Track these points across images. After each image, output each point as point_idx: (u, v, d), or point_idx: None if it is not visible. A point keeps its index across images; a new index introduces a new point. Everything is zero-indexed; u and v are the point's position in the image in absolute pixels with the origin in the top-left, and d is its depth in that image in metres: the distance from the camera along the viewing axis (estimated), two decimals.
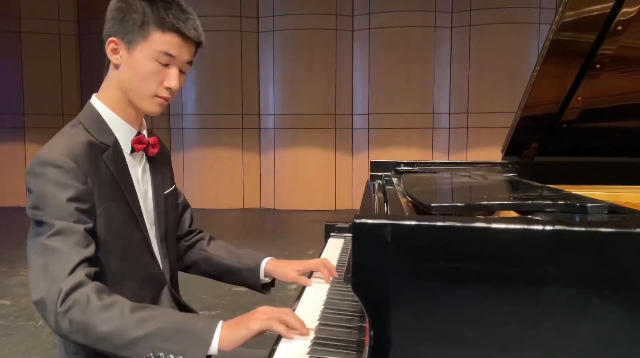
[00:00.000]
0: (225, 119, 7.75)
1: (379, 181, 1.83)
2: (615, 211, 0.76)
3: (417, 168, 1.87)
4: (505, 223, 0.54)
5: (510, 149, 1.85)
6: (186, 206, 1.45)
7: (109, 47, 1.14)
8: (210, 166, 7.67)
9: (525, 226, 0.53)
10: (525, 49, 7.23)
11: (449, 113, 7.56)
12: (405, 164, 1.86)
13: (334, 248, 1.70)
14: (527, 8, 7.14)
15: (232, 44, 7.68)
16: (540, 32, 7.20)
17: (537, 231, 0.52)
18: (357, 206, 8.04)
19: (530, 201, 0.77)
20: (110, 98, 1.17)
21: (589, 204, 0.75)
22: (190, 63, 1.18)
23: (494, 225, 0.53)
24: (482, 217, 0.58)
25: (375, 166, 1.89)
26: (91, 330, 0.95)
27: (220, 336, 0.95)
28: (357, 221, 0.58)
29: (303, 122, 7.65)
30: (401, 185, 1.53)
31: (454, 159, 7.49)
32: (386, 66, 7.45)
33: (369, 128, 7.67)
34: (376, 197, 1.30)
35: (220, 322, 0.97)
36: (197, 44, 1.17)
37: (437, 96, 7.51)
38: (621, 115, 1.57)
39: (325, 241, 1.88)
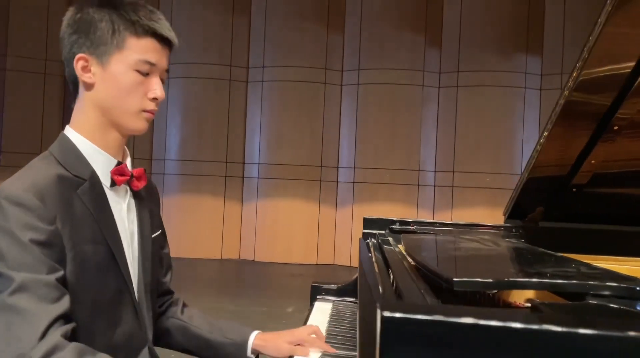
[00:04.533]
0: (209, 166, 7.62)
1: (373, 240, 1.68)
2: None
3: (413, 227, 1.73)
4: (589, 327, 0.40)
5: (513, 212, 1.74)
6: (170, 265, 1.27)
7: (77, 66, 1.00)
8: (190, 213, 7.45)
9: (611, 333, 0.39)
10: (510, 113, 7.32)
11: (435, 171, 7.53)
12: (401, 222, 1.73)
13: (322, 314, 1.53)
14: (513, 72, 7.29)
15: (220, 92, 7.65)
16: (526, 96, 7.33)
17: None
18: (339, 261, 7.85)
19: (574, 281, 0.64)
20: (86, 124, 1.03)
21: None
22: (167, 71, 1.06)
23: (579, 331, 0.40)
24: (550, 315, 0.45)
25: (368, 223, 1.75)
26: None
27: None
28: (387, 314, 0.44)
29: (288, 173, 7.55)
30: (401, 246, 1.39)
31: (438, 217, 7.40)
32: (373, 121, 7.46)
33: (354, 182, 7.59)
34: (374, 259, 1.16)
35: None
36: (171, 47, 1.05)
37: (423, 153, 7.50)
38: (637, 181, 1.47)
39: (311, 304, 1.72)
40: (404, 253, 1.33)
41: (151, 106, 1.03)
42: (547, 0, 7.30)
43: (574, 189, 1.54)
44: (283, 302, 5.02)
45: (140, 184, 1.08)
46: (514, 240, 1.44)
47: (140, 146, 7.54)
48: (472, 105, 7.31)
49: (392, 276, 1.02)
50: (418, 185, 7.50)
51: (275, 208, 7.58)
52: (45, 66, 7.98)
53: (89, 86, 1.01)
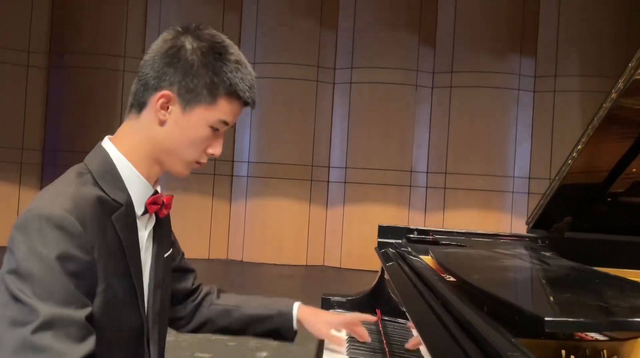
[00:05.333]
0: None
1: (390, 249, 1.57)
2: None
3: (432, 237, 1.62)
4: None
5: (538, 222, 1.63)
6: (189, 269, 1.26)
7: (158, 101, 0.93)
8: (177, 212, 7.21)
9: None
10: (503, 114, 7.27)
11: (427, 172, 7.46)
12: (419, 231, 1.62)
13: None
14: (507, 74, 7.24)
15: None
16: (519, 98, 7.28)
17: None
18: (329, 262, 7.73)
19: None
20: (133, 150, 0.96)
21: None
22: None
23: None
24: None
25: (383, 231, 1.64)
26: None
27: None
28: None
29: (278, 171, 7.41)
30: (426, 258, 1.28)
31: (430, 218, 7.33)
32: (366, 121, 7.36)
33: (345, 182, 7.48)
34: (408, 278, 1.04)
35: None
36: None
37: (416, 154, 7.42)
38: None
39: None
40: (432, 266, 1.22)
41: (205, 159, 0.99)
42: (541, 2, 7.26)
43: (609, 199, 1.44)
44: None
45: (166, 212, 1.03)
46: (547, 253, 1.33)
47: None
48: (465, 106, 7.24)
49: (436, 298, 0.91)
50: (410, 186, 7.41)
51: (265, 207, 7.44)
52: (28, 58, 7.72)
53: (159, 122, 0.95)
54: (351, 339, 1.34)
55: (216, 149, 0.98)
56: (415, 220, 7.30)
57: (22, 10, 7.62)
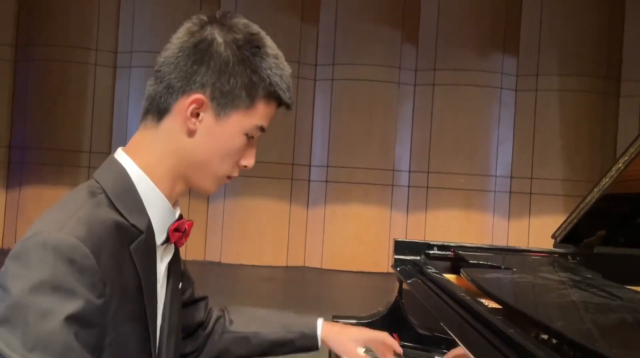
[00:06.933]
0: None
1: (408, 266, 1.41)
2: None
3: (452, 253, 1.47)
4: None
5: (567, 236, 1.50)
6: (201, 298, 1.11)
7: (189, 106, 0.80)
8: None
9: None
10: (486, 113, 7.22)
11: (409, 171, 7.35)
12: (439, 247, 1.47)
13: None
14: (489, 72, 7.18)
15: None
16: (502, 96, 7.23)
17: None
18: (309, 263, 7.57)
19: None
20: (154, 165, 0.82)
21: None
22: None
23: None
24: None
25: (400, 247, 1.48)
26: None
27: None
28: None
29: (257, 170, 7.12)
30: (450, 276, 1.13)
31: (412, 218, 7.23)
32: (348, 119, 7.21)
33: (326, 181, 7.32)
34: (465, 320, 0.88)
35: None
36: None
37: (398, 152, 7.31)
38: None
39: None
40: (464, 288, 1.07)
41: (236, 173, 0.89)
42: (524, 1, 7.23)
43: None
44: None
45: (185, 241, 0.86)
46: (589, 275, 1.19)
47: (99, 139, 7.04)
48: (448, 104, 7.16)
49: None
50: (392, 185, 7.30)
51: (244, 206, 7.22)
52: None
53: (188, 131, 0.81)
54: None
55: (249, 161, 0.88)
56: (398, 220, 7.20)
57: None
